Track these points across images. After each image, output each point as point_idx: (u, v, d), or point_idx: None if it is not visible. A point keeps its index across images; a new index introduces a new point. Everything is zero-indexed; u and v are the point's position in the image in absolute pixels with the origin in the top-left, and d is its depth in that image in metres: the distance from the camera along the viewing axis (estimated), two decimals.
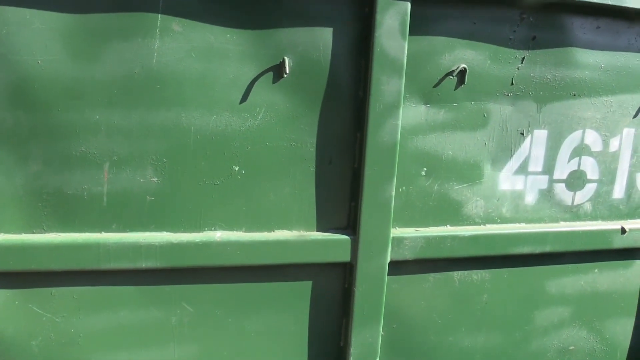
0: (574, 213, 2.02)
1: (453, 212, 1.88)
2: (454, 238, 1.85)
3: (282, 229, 1.73)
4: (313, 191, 1.73)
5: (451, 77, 1.78)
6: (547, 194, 1.97)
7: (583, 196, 2.02)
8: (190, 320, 1.71)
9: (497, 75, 1.82)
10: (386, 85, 1.66)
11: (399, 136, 1.70)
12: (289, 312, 1.80)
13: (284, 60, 1.59)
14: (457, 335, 1.98)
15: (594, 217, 2.04)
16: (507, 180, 1.91)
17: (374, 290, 1.79)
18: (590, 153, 1.98)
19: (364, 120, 1.68)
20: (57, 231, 1.56)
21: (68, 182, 1.53)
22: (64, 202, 1.55)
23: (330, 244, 1.75)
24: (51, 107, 1.47)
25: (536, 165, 1.93)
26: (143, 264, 1.60)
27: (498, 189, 1.91)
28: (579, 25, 1.88)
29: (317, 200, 1.74)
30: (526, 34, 1.83)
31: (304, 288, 1.80)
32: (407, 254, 1.81)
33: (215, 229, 1.67)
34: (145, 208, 1.61)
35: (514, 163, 1.90)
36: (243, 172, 1.66)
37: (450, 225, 1.89)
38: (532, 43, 1.84)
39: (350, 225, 1.78)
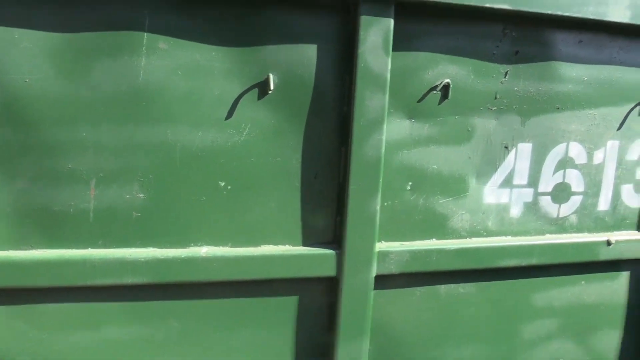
0: (560, 225, 2.03)
1: (439, 226, 1.90)
2: (439, 252, 1.86)
3: (268, 244, 1.74)
4: (298, 206, 1.74)
5: (435, 92, 1.80)
6: (532, 207, 1.99)
7: (568, 208, 2.03)
8: (176, 336, 1.72)
9: (480, 90, 1.85)
10: (370, 101, 1.68)
11: (383, 151, 1.72)
12: (275, 327, 1.80)
13: (268, 77, 1.61)
14: (444, 349, 1.99)
15: (579, 230, 2.06)
16: (492, 193, 1.92)
17: (360, 304, 1.80)
18: (574, 165, 2.00)
19: (348, 135, 1.70)
20: (44, 247, 1.57)
21: (55, 199, 1.55)
22: (51, 219, 1.56)
23: (315, 258, 1.76)
24: (39, 124, 1.49)
25: (521, 178, 1.95)
26: (129, 280, 1.61)
27: (483, 202, 1.92)
28: (562, 40, 1.91)
29: (302, 214, 1.75)
30: (509, 49, 1.85)
31: (290, 303, 1.80)
32: (393, 268, 1.82)
33: (202, 245, 1.68)
34: (132, 224, 1.62)
35: (498, 176, 1.92)
36: (229, 187, 1.67)
37: (436, 239, 1.90)
38: (515, 57, 1.87)
39: (336, 240, 1.79)
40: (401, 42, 1.70)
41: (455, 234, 1.92)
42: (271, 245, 1.74)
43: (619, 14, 1.86)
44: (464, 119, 1.85)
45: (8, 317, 1.58)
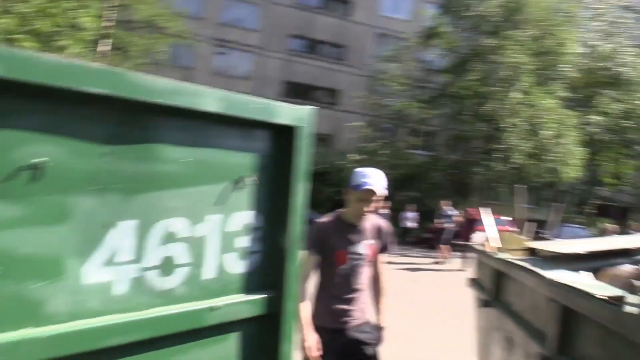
0: (168, 298, 2.14)
1: (33, 313, 1.75)
2: (32, 341, 1.71)
3: None
4: None
5: (29, 171, 1.71)
6: (138, 282, 2.04)
7: (175, 280, 2.16)
8: None
9: (80, 169, 1.85)
10: None
11: None
12: None
13: None
14: None
15: (187, 299, 2.20)
16: (94, 273, 1.90)
17: None
18: (178, 239, 2.16)
19: None
20: None
21: None
22: None
23: None
24: None
25: (125, 255, 1.99)
26: None
27: (85, 282, 1.88)
28: (163, 124, 2.09)
29: None
30: (112, 130, 1.93)
31: None
32: None
33: None
34: None
35: (100, 255, 1.91)
36: None
37: (32, 327, 1.75)
38: (117, 139, 1.95)
39: None
40: None
41: (54, 320, 1.80)
42: None
43: (210, 105, 2.15)
44: (61, 199, 1.80)
45: None
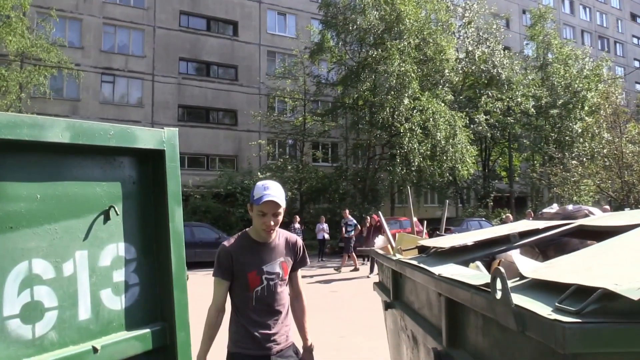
0: (39, 346, 1.95)
1: None
2: None
3: None
4: None
5: None
6: (1, 334, 1.83)
7: (45, 326, 1.97)
8: None
9: None
10: None
11: None
12: None
13: None
14: None
15: (63, 344, 2.02)
16: None
17: None
18: (42, 282, 1.98)
19: None
20: None
21: None
22: None
23: None
24: None
25: None
26: None
27: None
28: (12, 161, 1.91)
29: None
30: None
31: None
32: None
33: None
34: None
35: None
36: None
37: None
38: None
39: None
40: None
41: None
42: None
43: (57, 136, 2.00)
44: None
45: None
